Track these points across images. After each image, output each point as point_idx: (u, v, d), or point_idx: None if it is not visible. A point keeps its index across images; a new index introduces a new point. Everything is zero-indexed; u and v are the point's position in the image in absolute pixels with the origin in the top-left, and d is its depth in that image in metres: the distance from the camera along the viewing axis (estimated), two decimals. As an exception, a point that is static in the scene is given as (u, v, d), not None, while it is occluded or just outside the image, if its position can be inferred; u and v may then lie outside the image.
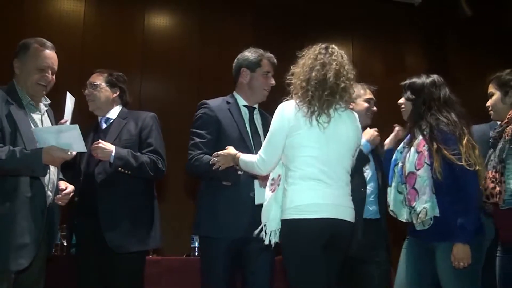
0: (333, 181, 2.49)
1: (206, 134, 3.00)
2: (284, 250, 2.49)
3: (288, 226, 2.47)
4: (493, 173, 2.75)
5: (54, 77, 2.85)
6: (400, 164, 2.86)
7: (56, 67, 2.87)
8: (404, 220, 2.82)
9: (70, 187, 2.86)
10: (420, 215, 2.65)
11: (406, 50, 6.28)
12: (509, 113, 2.81)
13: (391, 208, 2.89)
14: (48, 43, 2.86)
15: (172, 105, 5.04)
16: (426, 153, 2.68)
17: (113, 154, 2.99)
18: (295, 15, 5.91)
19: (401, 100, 2.96)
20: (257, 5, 5.75)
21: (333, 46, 2.66)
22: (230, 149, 2.79)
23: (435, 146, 2.64)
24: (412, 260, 2.79)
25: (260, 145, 2.78)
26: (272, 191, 2.59)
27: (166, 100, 5.15)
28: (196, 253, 3.92)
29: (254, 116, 3.18)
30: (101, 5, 5.31)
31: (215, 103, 3.13)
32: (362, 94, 3.38)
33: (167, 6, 5.55)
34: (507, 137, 2.75)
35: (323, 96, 2.51)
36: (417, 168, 2.71)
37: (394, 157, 2.94)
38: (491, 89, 2.99)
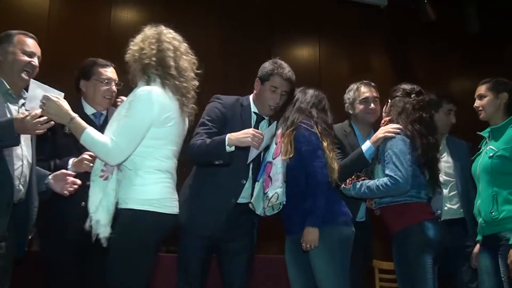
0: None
1: (212, 126, 3.01)
2: (123, 241, 2.37)
3: (136, 217, 2.37)
4: (363, 177, 2.97)
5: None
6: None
7: (40, 56, 2.80)
8: (259, 213, 2.94)
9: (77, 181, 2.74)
10: (271, 199, 2.78)
11: (371, 51, 6.36)
12: (382, 123, 3.07)
13: (251, 200, 2.94)
14: (30, 34, 2.80)
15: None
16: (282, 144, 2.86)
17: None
18: (261, 16, 5.91)
19: None
20: (222, 4, 5.72)
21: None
22: (66, 104, 2.45)
23: (292, 137, 2.85)
24: (292, 256, 2.94)
25: (260, 155, 2.96)
26: (104, 179, 2.46)
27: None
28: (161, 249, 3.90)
29: (260, 126, 3.14)
30: (67, -2, 5.23)
31: (228, 100, 3.16)
32: (357, 97, 3.42)
33: (134, 0, 5.50)
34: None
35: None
36: (273, 157, 2.86)
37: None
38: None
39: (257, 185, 2.93)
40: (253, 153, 2.89)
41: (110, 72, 3.16)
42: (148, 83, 2.49)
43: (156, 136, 2.44)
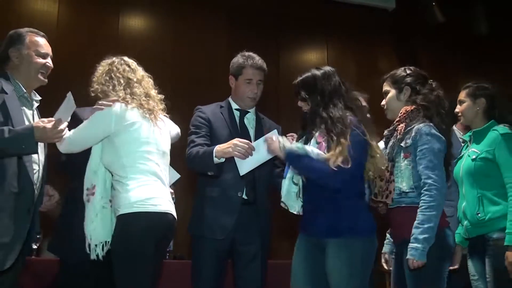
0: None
1: (201, 131, 3.07)
2: (119, 246, 2.51)
3: (126, 220, 2.50)
4: (385, 172, 2.70)
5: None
6: None
7: (51, 54, 2.83)
8: (296, 213, 2.70)
9: (57, 194, 2.83)
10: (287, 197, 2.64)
11: (379, 54, 6.35)
12: (401, 111, 2.78)
13: (282, 199, 2.74)
14: (40, 32, 2.82)
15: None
16: (324, 144, 2.58)
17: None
18: (269, 19, 5.93)
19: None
20: (231, 8, 5.75)
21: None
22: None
23: (334, 138, 2.52)
24: (304, 258, 2.65)
25: (251, 167, 2.88)
26: (88, 201, 2.66)
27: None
28: (167, 256, 3.93)
29: (245, 119, 3.20)
30: (76, 6, 5.27)
31: (208, 107, 3.21)
32: None
33: (142, 8, 5.53)
34: (398, 135, 2.71)
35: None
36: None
37: None
38: (386, 87, 2.89)
39: (285, 182, 2.73)
40: (245, 164, 2.82)
41: None
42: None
43: (125, 140, 2.62)
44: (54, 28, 5.06)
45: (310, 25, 6.05)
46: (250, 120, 3.22)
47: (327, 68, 2.72)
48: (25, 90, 2.69)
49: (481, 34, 6.18)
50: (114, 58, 2.82)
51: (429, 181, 2.53)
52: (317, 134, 2.64)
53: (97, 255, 2.60)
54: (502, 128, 2.92)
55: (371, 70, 6.14)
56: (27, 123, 2.62)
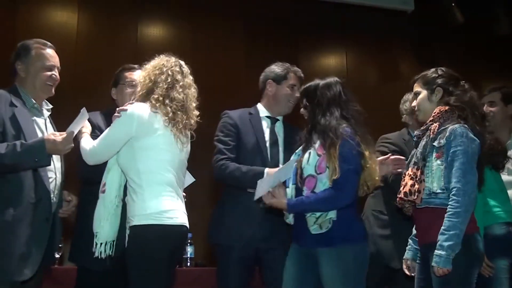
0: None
1: (229, 141, 3.09)
2: (135, 259, 2.47)
3: (141, 233, 2.47)
4: (414, 170, 2.63)
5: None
6: (295, 166, 2.75)
7: (59, 65, 2.83)
8: (288, 222, 2.74)
9: (75, 199, 2.81)
10: (319, 218, 2.57)
11: (399, 58, 6.29)
12: (435, 110, 2.71)
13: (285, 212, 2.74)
14: (48, 43, 2.83)
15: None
16: (325, 157, 2.59)
17: None
18: (287, 26, 5.92)
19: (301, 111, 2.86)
20: (249, 14, 5.76)
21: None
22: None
23: (331, 151, 2.56)
24: (295, 268, 2.68)
25: (278, 155, 2.94)
26: (103, 192, 2.63)
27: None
28: (188, 264, 3.92)
29: (276, 127, 3.22)
30: (94, 16, 5.33)
31: (236, 113, 3.24)
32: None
33: (159, 16, 5.57)
34: (431, 135, 2.64)
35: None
36: (318, 172, 2.61)
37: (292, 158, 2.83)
38: (417, 88, 2.85)
39: (289, 192, 2.74)
40: (261, 190, 2.74)
41: (135, 75, 3.12)
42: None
43: (144, 145, 2.56)
44: (73, 39, 5.13)
45: (328, 30, 6.02)
46: (279, 129, 3.24)
47: (332, 79, 2.78)
48: (34, 101, 2.72)
49: (503, 35, 6.09)
50: (172, 57, 2.80)
51: (458, 185, 2.46)
52: (317, 145, 2.65)
53: (100, 253, 2.56)
54: None
55: (391, 74, 6.09)
56: (39, 133, 2.65)
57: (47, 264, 2.75)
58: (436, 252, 2.43)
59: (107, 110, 3.04)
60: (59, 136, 2.49)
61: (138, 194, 2.51)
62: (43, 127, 2.73)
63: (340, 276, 2.52)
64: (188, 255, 3.91)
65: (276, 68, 3.30)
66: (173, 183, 2.59)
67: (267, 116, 3.23)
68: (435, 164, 2.57)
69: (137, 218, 2.48)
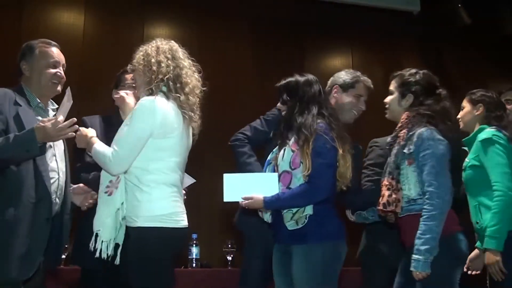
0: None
1: (265, 128, 3.07)
2: (137, 260, 2.38)
3: (146, 235, 2.37)
4: (389, 180, 2.63)
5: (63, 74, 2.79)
6: (272, 164, 2.75)
7: (65, 63, 2.81)
8: (266, 220, 2.72)
9: (92, 191, 2.77)
10: (296, 213, 2.55)
11: (405, 58, 6.27)
12: (403, 116, 2.70)
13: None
14: (52, 42, 2.82)
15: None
16: (299, 153, 2.59)
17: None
18: (293, 25, 5.93)
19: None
20: (254, 16, 5.77)
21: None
22: (89, 131, 2.59)
23: (304, 147, 2.55)
24: (278, 265, 2.70)
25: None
26: (109, 194, 2.45)
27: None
28: (194, 264, 3.91)
29: None
30: (101, 18, 5.35)
31: None
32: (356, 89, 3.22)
33: (166, 18, 5.59)
34: (401, 142, 2.64)
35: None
36: (292, 167, 2.60)
37: (268, 158, 2.82)
38: (392, 86, 2.84)
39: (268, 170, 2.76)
40: (233, 192, 2.65)
41: None
42: (151, 94, 2.50)
43: (161, 147, 2.44)
44: (80, 40, 5.15)
45: (334, 30, 6.02)
46: None
47: (310, 76, 2.77)
48: (39, 101, 2.71)
49: (509, 35, 6.06)
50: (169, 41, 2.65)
51: (431, 188, 2.47)
52: (292, 142, 2.64)
53: (101, 252, 2.44)
54: (483, 133, 2.89)
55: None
56: None
57: (52, 265, 2.75)
58: (414, 256, 2.43)
59: (107, 116, 3.02)
60: (47, 123, 2.42)
61: (145, 194, 2.40)
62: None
63: (307, 274, 2.52)
64: (194, 256, 3.91)
65: (345, 75, 3.23)
66: (178, 183, 2.53)
67: None
68: (409, 171, 2.59)
69: (143, 219, 2.38)
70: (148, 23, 5.49)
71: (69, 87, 2.60)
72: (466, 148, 3.06)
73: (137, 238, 2.39)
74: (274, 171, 2.70)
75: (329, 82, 3.26)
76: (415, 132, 2.58)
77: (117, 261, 2.48)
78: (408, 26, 6.23)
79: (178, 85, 2.51)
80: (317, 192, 2.53)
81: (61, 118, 2.43)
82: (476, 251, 3.01)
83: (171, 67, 2.52)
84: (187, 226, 2.52)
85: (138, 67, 2.57)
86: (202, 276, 3.66)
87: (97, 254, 2.45)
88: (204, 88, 2.67)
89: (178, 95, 2.50)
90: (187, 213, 2.62)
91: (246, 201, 2.58)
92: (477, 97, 3.07)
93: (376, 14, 6.14)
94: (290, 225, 2.57)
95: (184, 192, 2.75)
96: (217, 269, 3.99)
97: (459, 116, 3.07)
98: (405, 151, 2.59)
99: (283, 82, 2.78)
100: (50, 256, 2.64)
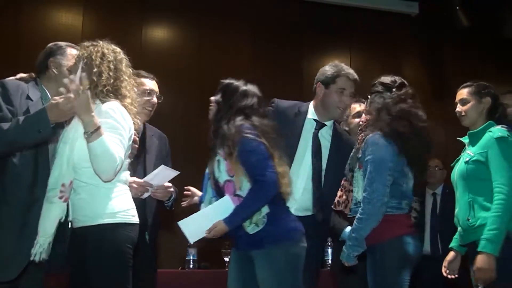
0: None
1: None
2: (101, 259, 2.32)
3: (109, 231, 2.32)
4: (344, 181, 2.77)
5: None
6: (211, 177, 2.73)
7: None
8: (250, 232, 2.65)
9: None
10: (254, 217, 2.55)
11: (404, 60, 6.29)
12: (362, 119, 2.77)
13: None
14: (77, 46, 2.77)
15: (171, 117, 5.04)
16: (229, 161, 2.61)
17: (173, 196, 3.01)
18: (292, 27, 5.94)
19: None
20: (255, 17, 5.78)
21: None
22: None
23: (232, 159, 2.56)
24: (236, 271, 2.70)
25: (317, 162, 2.90)
26: (64, 201, 2.35)
27: (164, 112, 5.15)
28: (191, 266, 3.91)
29: (321, 133, 3.06)
30: (99, 18, 5.34)
31: (283, 104, 3.13)
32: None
33: (165, 19, 5.59)
34: (357, 145, 2.72)
35: None
36: (231, 175, 2.60)
37: (206, 171, 2.79)
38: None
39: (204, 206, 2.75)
40: (194, 232, 2.66)
41: (152, 84, 3.14)
42: (102, 102, 2.43)
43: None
44: (79, 41, 5.05)
45: (333, 32, 6.03)
46: (325, 135, 3.08)
47: (252, 89, 2.74)
48: (50, 97, 2.60)
49: (508, 38, 6.07)
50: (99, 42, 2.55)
51: (365, 194, 2.58)
52: (221, 151, 2.64)
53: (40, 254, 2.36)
54: (497, 130, 2.77)
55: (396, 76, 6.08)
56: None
57: (57, 269, 2.68)
58: (344, 247, 2.62)
59: None
60: (59, 99, 2.26)
61: (103, 191, 2.35)
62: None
63: (273, 278, 2.53)
64: (191, 257, 3.91)
65: (327, 69, 3.10)
66: (127, 182, 2.52)
67: (314, 119, 3.08)
68: (359, 174, 2.69)
69: (101, 216, 2.32)
70: (147, 24, 5.48)
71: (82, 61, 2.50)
72: (464, 140, 2.98)
73: (98, 236, 2.32)
74: (213, 186, 2.69)
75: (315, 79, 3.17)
76: (366, 137, 2.66)
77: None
78: (407, 29, 6.25)
79: (118, 97, 2.46)
80: (267, 187, 2.52)
81: (73, 76, 2.28)
82: (452, 253, 2.98)
83: (111, 80, 2.45)
84: (138, 222, 2.47)
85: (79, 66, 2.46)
86: (200, 277, 3.66)
87: (36, 259, 2.38)
88: (148, 98, 2.73)
89: (124, 103, 2.47)
90: (185, 214, 2.64)
91: (210, 233, 2.57)
92: (483, 89, 2.93)
93: (375, 16, 6.15)
94: (251, 229, 2.56)
95: (170, 185, 2.83)
96: (215, 270, 3.98)
97: (460, 110, 2.94)
98: (358, 155, 2.69)
99: (226, 81, 2.77)
100: (54, 256, 2.55)
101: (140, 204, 2.75)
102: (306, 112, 3.09)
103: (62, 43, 2.80)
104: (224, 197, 2.62)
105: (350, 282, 3.17)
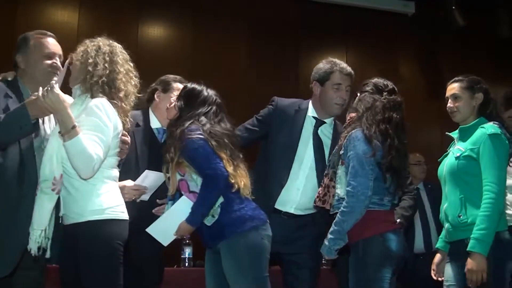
0: None
1: (255, 125, 3.09)
2: (91, 255, 2.33)
3: (99, 227, 2.32)
4: (325, 178, 2.77)
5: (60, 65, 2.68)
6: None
7: (61, 54, 2.73)
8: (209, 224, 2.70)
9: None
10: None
11: (400, 59, 6.30)
12: (347, 117, 2.77)
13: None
14: (48, 32, 2.74)
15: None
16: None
17: None
18: (289, 25, 5.94)
19: None
20: (251, 15, 5.78)
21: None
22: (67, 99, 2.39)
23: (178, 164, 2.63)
24: (210, 268, 2.74)
25: (320, 160, 2.91)
26: (57, 193, 2.35)
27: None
28: (187, 264, 3.90)
29: (321, 130, 3.09)
30: (95, 16, 5.33)
31: (283, 102, 3.15)
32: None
33: (161, 16, 5.58)
34: (340, 142, 2.73)
35: None
36: (182, 173, 2.66)
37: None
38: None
39: (169, 206, 2.76)
40: (165, 235, 2.71)
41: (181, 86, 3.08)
42: (85, 92, 2.45)
43: (108, 144, 2.39)
44: (74, 38, 5.10)
45: (329, 31, 6.03)
46: (326, 132, 3.10)
47: (213, 95, 2.77)
48: (31, 93, 2.55)
49: (504, 38, 6.08)
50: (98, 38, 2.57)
51: (348, 188, 2.58)
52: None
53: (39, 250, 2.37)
54: (490, 126, 2.74)
55: (392, 76, 6.04)
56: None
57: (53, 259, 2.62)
58: (325, 241, 2.63)
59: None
60: (40, 94, 2.29)
61: (92, 188, 2.36)
62: (41, 121, 2.58)
63: (235, 267, 2.56)
64: (186, 255, 3.90)
65: (321, 66, 3.13)
66: (117, 179, 2.53)
67: (314, 117, 3.10)
68: (341, 171, 2.68)
69: (91, 213, 2.33)
70: (143, 22, 5.48)
71: (69, 59, 2.54)
72: (453, 135, 2.93)
73: (88, 232, 2.33)
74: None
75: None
76: (350, 133, 2.67)
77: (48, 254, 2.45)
78: (403, 28, 6.26)
79: (113, 89, 2.46)
80: (216, 177, 2.55)
81: (54, 82, 2.31)
82: (438, 256, 2.95)
83: (107, 71, 2.46)
84: (128, 219, 2.47)
85: (75, 62, 2.52)
86: (195, 276, 3.64)
87: (33, 253, 2.38)
88: (140, 95, 2.66)
89: (114, 101, 2.46)
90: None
91: (177, 233, 2.64)
92: (475, 84, 2.91)
93: (372, 16, 6.16)
94: (209, 220, 2.61)
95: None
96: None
97: (453, 105, 2.91)
98: (341, 152, 2.69)
99: (190, 85, 2.79)
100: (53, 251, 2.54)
101: (147, 205, 2.83)
102: (306, 110, 3.12)
103: (30, 33, 2.72)
104: (182, 197, 2.67)
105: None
